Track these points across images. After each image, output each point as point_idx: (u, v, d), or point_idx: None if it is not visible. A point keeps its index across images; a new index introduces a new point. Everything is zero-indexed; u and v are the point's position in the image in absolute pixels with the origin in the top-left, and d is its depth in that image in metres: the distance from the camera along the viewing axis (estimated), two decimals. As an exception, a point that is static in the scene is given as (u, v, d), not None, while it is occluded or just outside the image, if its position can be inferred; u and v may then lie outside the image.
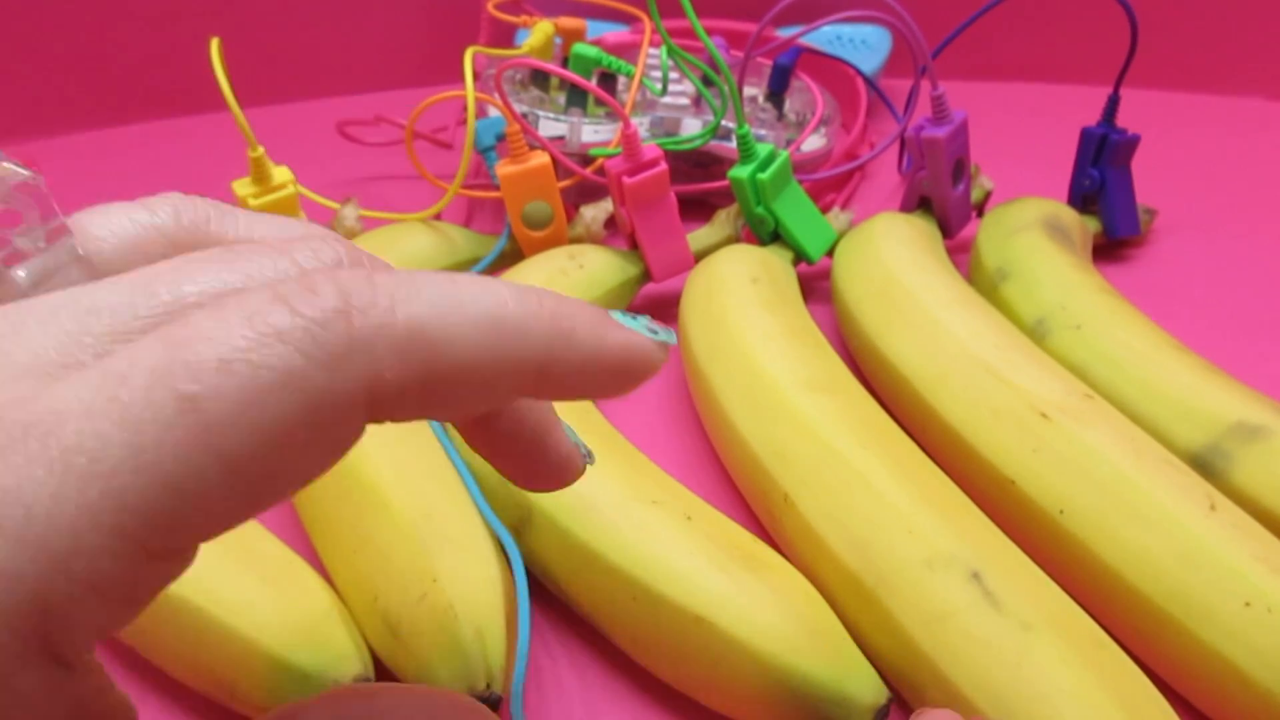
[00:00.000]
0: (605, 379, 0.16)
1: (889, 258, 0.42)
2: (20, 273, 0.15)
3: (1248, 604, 0.27)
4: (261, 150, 0.42)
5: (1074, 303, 0.40)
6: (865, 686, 0.28)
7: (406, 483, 0.31)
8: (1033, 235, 0.44)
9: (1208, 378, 0.35)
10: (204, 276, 0.14)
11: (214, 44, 0.40)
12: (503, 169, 0.45)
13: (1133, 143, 0.48)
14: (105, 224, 0.16)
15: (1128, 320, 0.39)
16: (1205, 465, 0.33)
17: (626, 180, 0.43)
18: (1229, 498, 0.30)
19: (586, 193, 0.52)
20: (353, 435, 0.14)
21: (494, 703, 0.28)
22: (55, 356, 0.13)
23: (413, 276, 0.14)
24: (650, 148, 0.43)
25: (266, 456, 0.12)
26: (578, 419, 0.34)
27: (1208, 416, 0.34)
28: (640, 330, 0.16)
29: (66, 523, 0.11)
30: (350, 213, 0.47)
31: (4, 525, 0.11)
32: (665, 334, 0.17)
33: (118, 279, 0.14)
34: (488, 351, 0.14)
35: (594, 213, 0.48)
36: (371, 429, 0.35)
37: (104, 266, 0.16)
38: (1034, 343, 0.38)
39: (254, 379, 0.12)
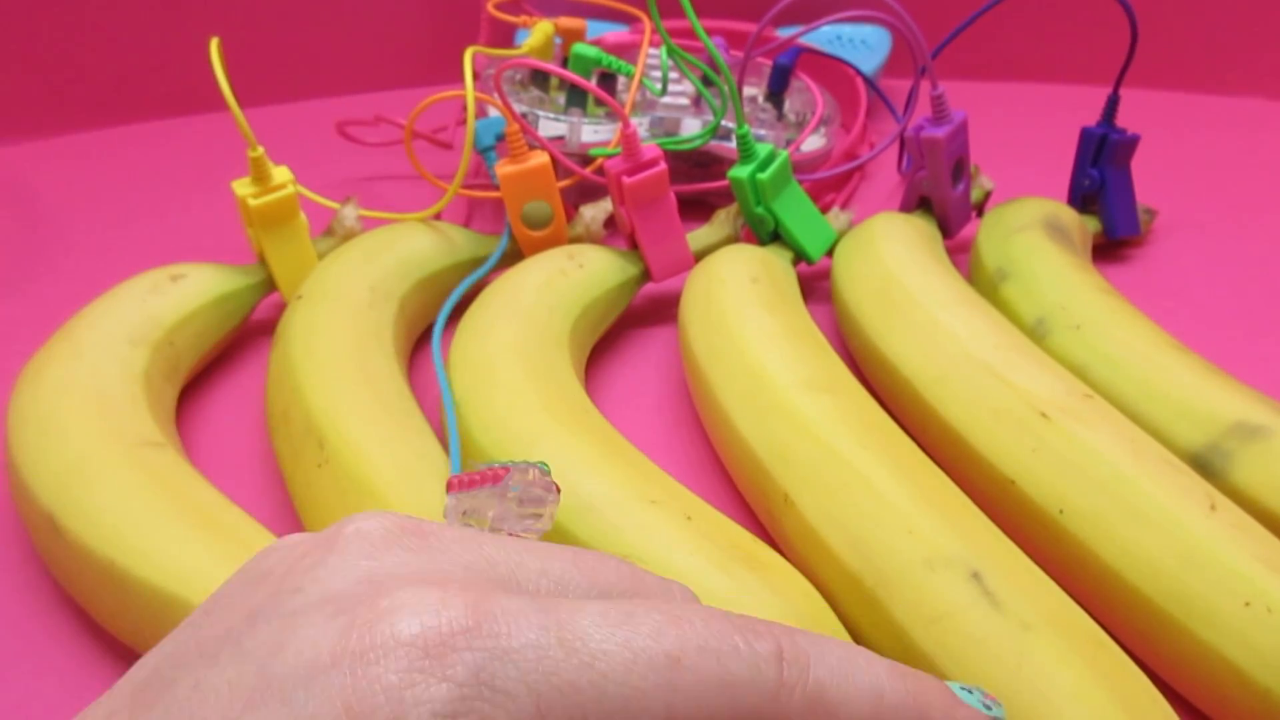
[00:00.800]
0: None
1: (889, 258, 0.42)
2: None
3: (1248, 604, 0.27)
4: (261, 150, 0.42)
5: (1074, 303, 0.40)
6: (865, 686, 0.27)
7: (406, 483, 0.31)
8: (1033, 235, 0.44)
9: (1208, 378, 0.35)
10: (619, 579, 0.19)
11: (213, 44, 0.40)
12: (502, 169, 0.45)
13: (1132, 143, 0.48)
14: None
15: (1127, 320, 0.39)
16: (1205, 465, 0.33)
17: (626, 180, 0.43)
18: (1229, 498, 0.30)
19: (586, 193, 0.52)
20: None
21: None
22: (545, 586, 0.17)
23: (818, 641, 0.17)
24: (650, 147, 0.43)
25: None
26: (575, 420, 0.34)
27: (1208, 416, 0.34)
28: (976, 705, 0.19)
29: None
30: (350, 212, 0.47)
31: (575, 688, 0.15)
32: (998, 708, 0.20)
33: (563, 549, 0.19)
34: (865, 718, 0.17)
35: (594, 213, 0.48)
36: (370, 424, 0.35)
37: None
38: (1034, 343, 0.38)
39: (719, 671, 0.16)
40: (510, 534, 0.20)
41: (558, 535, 0.31)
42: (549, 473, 0.21)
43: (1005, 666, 0.26)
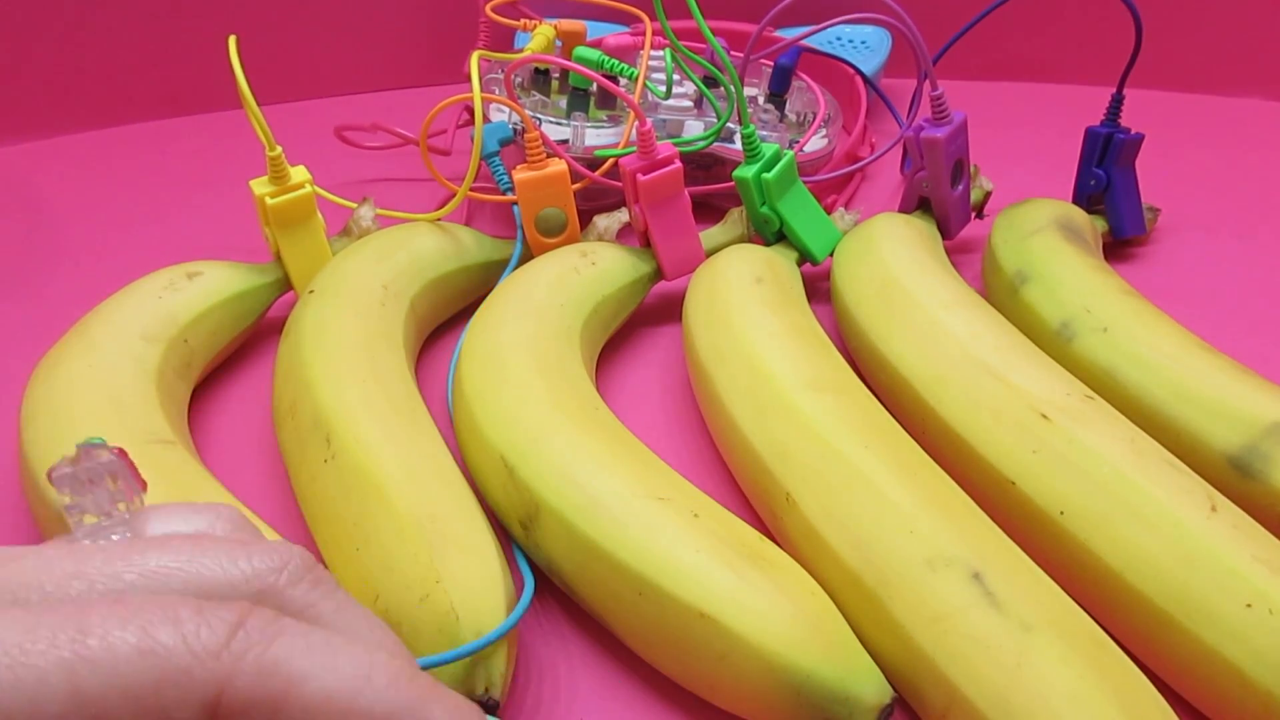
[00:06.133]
0: None
1: (889, 258, 0.42)
2: (80, 534, 0.18)
3: (1249, 605, 0.27)
4: (280, 150, 0.42)
5: (1099, 305, 0.39)
6: (870, 685, 0.28)
7: (413, 483, 0.32)
8: (1049, 237, 0.44)
9: (1241, 379, 0.35)
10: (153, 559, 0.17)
11: (231, 41, 0.40)
12: (520, 174, 0.45)
13: (1137, 142, 0.48)
14: (161, 521, 0.19)
15: (1154, 322, 0.38)
16: (1243, 467, 0.32)
17: (641, 178, 0.43)
18: (1269, 500, 0.30)
19: (591, 196, 0.52)
20: None
21: (492, 708, 0.28)
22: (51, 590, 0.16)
23: (307, 628, 0.16)
24: (665, 145, 0.43)
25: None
26: (585, 416, 0.34)
27: (1244, 418, 0.33)
28: None
29: None
30: (367, 212, 0.47)
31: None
32: None
33: (108, 547, 0.17)
34: (336, 706, 0.15)
35: (607, 222, 0.48)
36: (379, 422, 0.34)
37: None
38: (1060, 346, 0.38)
39: (139, 639, 0.15)
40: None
41: (565, 532, 0.31)
42: (99, 444, 0.19)
43: (1005, 668, 0.26)
